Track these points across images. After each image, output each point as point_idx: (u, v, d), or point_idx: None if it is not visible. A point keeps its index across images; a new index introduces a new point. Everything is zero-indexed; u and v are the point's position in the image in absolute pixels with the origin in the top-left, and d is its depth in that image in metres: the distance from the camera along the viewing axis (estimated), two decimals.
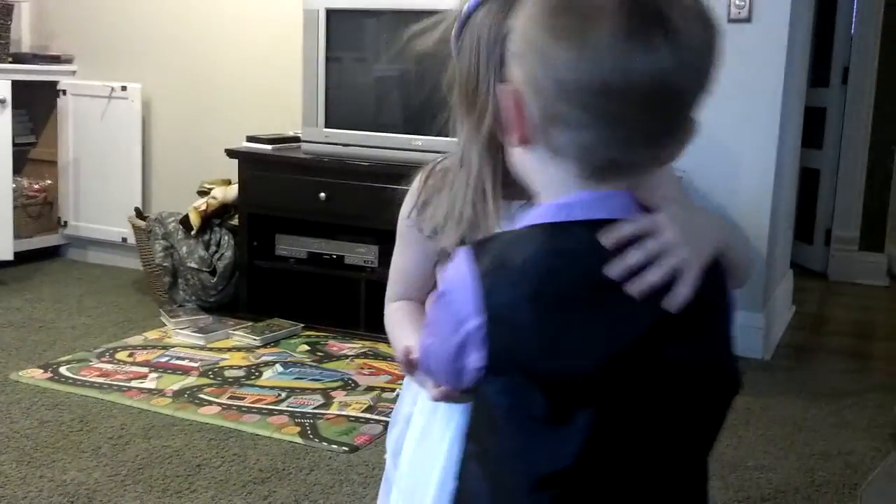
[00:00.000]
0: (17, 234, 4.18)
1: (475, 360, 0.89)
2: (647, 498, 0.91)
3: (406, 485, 1.30)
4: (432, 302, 1.05)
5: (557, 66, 0.84)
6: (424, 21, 1.25)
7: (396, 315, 1.31)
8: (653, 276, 0.86)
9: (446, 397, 1.09)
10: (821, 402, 3.04)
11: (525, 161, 0.93)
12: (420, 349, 1.02)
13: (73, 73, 4.56)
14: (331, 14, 3.49)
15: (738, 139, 3.35)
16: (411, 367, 1.13)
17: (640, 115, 0.84)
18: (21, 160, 4.49)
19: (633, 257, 0.85)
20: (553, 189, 0.91)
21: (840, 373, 3.44)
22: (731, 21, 3.32)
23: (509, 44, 0.93)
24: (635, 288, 0.85)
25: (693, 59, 0.84)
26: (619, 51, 0.82)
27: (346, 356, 3.34)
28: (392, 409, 2.80)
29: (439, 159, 1.26)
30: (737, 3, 3.31)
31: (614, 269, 0.85)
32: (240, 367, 3.19)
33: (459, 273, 0.90)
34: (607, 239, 0.86)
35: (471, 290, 0.88)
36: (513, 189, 1.14)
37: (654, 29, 0.82)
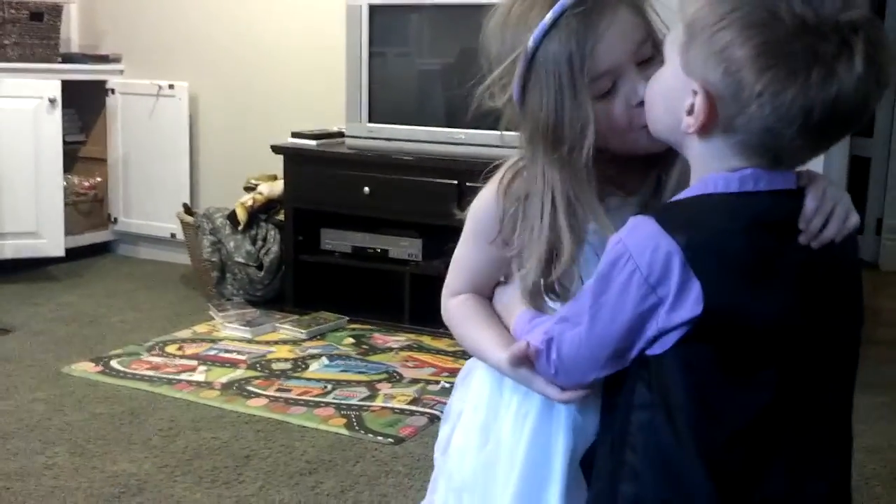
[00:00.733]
0: (69, 231, 4.25)
1: (666, 323, 0.98)
2: (819, 442, 1.04)
3: (461, 483, 1.29)
4: (589, 287, 1.05)
5: (771, 98, 0.94)
6: (488, 79, 1.21)
7: (463, 309, 1.29)
8: (830, 232, 1.02)
9: (575, 397, 1.12)
10: (871, 395, 3.00)
11: (697, 146, 1.02)
12: (558, 343, 1.07)
13: (121, 72, 4.63)
14: (373, 9, 3.50)
15: None
16: (521, 362, 1.13)
17: (841, 130, 1.01)
18: (71, 158, 4.56)
19: (817, 223, 1.01)
20: (725, 168, 1.01)
21: (892, 364, 3.39)
22: None
23: (679, 32, 1.00)
24: (819, 241, 1.01)
25: (878, 73, 0.95)
26: (832, 82, 0.93)
27: (391, 349, 3.36)
28: (435, 401, 2.83)
29: (515, 159, 1.23)
30: None
31: (805, 237, 1.00)
32: (286, 360, 3.23)
33: (651, 240, 0.98)
34: (805, 218, 1.01)
35: (674, 256, 0.96)
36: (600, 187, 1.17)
37: (853, 56, 0.93)
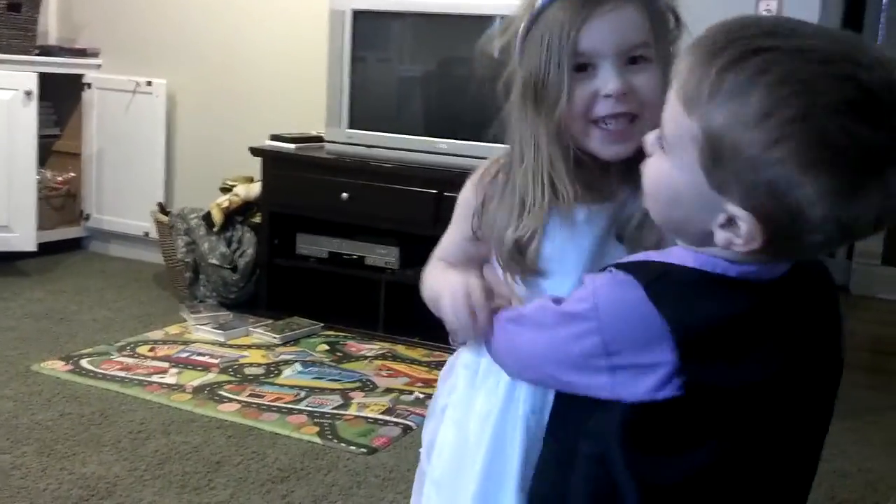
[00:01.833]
0: (40, 226, 4.20)
1: (623, 393, 0.93)
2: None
3: (439, 476, 1.32)
4: (551, 305, 1.03)
5: (838, 222, 0.87)
6: (491, 29, 1.27)
7: (435, 263, 1.33)
8: None
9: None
10: (840, 419, 3.02)
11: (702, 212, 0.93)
12: (527, 338, 1.05)
13: (99, 66, 4.59)
14: (357, 15, 3.50)
15: None
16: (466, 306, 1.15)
17: None
18: (45, 152, 4.51)
19: None
20: (732, 257, 0.94)
21: (861, 388, 3.42)
22: None
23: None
24: None
25: None
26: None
27: (365, 357, 3.35)
28: (409, 411, 2.82)
29: (503, 155, 1.28)
30: (764, 8, 3.31)
31: None
32: (259, 365, 3.21)
33: (633, 311, 0.92)
34: None
35: (662, 336, 0.90)
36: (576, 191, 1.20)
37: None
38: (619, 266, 0.96)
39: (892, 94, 0.83)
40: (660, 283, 0.93)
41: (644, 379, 0.92)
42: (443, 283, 1.22)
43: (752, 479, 0.97)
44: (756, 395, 0.94)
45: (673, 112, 0.92)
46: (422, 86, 3.65)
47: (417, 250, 3.59)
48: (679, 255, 0.97)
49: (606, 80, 1.15)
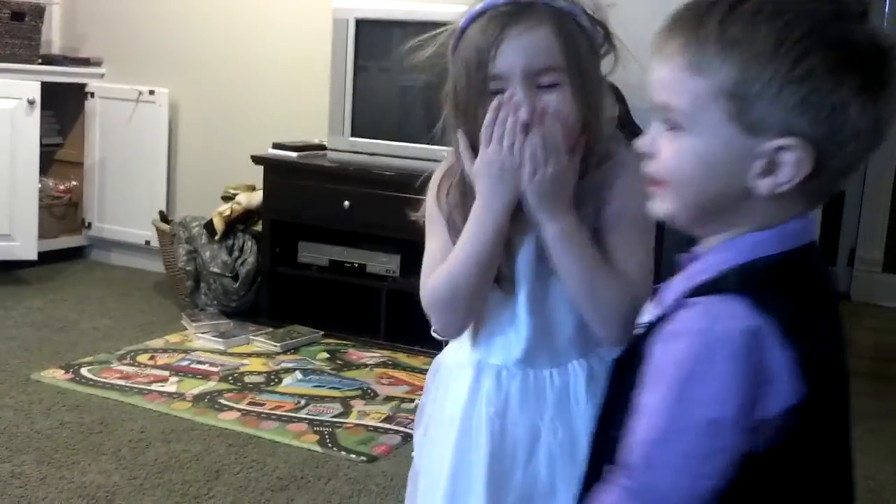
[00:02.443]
0: (42, 235, 4.20)
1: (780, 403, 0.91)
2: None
3: (421, 475, 1.38)
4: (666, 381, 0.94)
5: (873, 129, 0.93)
6: (424, 35, 1.30)
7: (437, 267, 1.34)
8: None
9: None
10: None
11: (760, 205, 0.95)
12: (651, 444, 0.93)
13: (102, 75, 4.59)
14: (360, 24, 3.50)
15: None
16: None
17: None
18: (47, 161, 4.51)
19: None
20: (765, 219, 0.96)
21: (861, 395, 3.40)
22: None
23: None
24: None
25: None
26: None
27: (366, 365, 3.34)
28: (410, 420, 2.82)
29: (447, 163, 1.35)
30: None
31: None
32: (260, 373, 3.20)
33: (744, 321, 0.90)
34: None
35: (782, 349, 0.90)
36: None
37: None
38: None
39: (862, 4, 0.92)
40: (766, 291, 0.93)
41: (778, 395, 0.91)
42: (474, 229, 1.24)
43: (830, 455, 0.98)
44: (835, 367, 0.98)
45: (681, 86, 0.94)
46: (424, 94, 3.65)
47: (419, 258, 3.58)
48: (739, 249, 0.96)
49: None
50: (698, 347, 0.90)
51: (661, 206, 1.00)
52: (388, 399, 3.02)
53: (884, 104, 0.91)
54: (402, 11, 3.49)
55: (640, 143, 1.00)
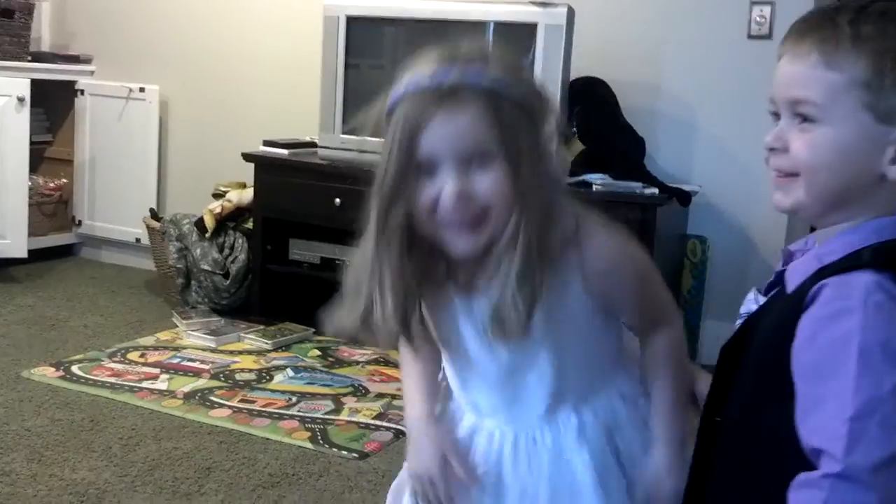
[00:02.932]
0: (32, 232, 4.19)
1: None
2: None
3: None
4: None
5: None
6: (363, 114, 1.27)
7: (402, 355, 1.45)
8: None
9: None
10: None
11: (886, 190, 1.01)
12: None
13: (92, 73, 4.58)
14: (351, 21, 3.49)
15: (755, 155, 3.33)
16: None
17: None
18: (37, 158, 4.50)
19: None
20: (889, 210, 1.02)
21: None
22: (751, 37, 3.31)
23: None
24: None
25: None
26: None
27: (357, 362, 3.34)
28: (401, 416, 2.81)
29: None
30: (757, 19, 3.31)
31: None
32: (251, 371, 3.19)
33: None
34: None
35: None
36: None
37: None
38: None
39: None
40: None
41: None
42: (413, 436, 1.35)
43: None
44: None
45: (817, 80, 1.01)
46: None
47: None
48: (865, 233, 1.01)
49: (444, 184, 1.15)
50: (864, 320, 0.93)
51: (790, 198, 1.05)
52: (380, 396, 3.01)
53: None
54: (393, 9, 3.48)
55: (768, 139, 1.06)
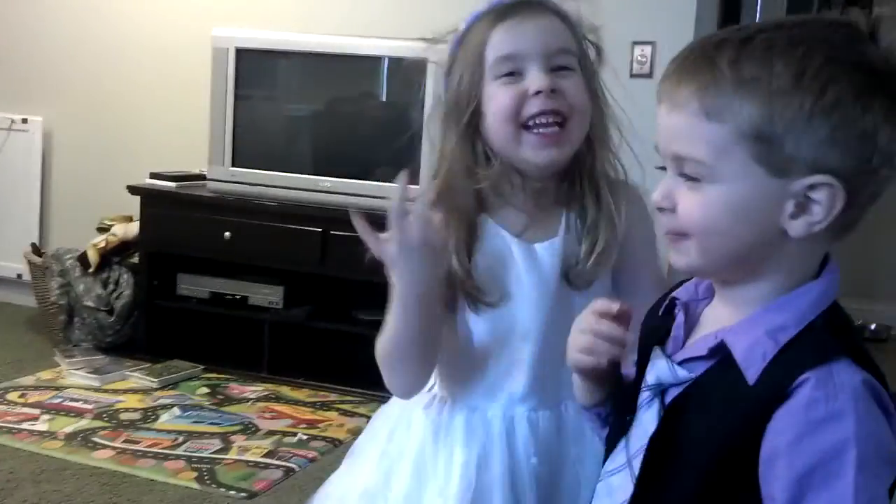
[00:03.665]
0: None
1: None
2: None
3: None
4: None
5: None
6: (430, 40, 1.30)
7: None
8: None
9: None
10: None
11: (795, 247, 0.90)
12: None
13: None
14: (241, 53, 3.46)
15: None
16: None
17: None
18: None
19: None
20: (799, 267, 0.92)
21: None
22: (633, 76, 3.40)
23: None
24: None
25: None
26: None
27: (248, 399, 3.28)
28: (292, 454, 2.77)
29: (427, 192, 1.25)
30: (638, 58, 3.40)
31: None
32: (136, 410, 3.11)
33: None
34: None
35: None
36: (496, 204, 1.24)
37: None
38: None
39: (872, 27, 0.89)
40: (849, 342, 0.90)
41: None
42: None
43: None
44: None
45: (699, 135, 0.88)
46: (306, 124, 3.64)
47: (303, 289, 3.58)
48: (792, 309, 0.91)
49: (534, 79, 1.18)
50: (857, 425, 0.84)
51: (684, 259, 0.94)
52: (270, 433, 2.96)
53: None
54: (284, 42, 3.47)
55: (655, 197, 0.94)
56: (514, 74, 1.19)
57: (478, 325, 1.24)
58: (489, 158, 1.23)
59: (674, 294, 1.04)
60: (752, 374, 0.89)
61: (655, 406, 0.98)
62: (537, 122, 1.18)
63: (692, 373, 0.95)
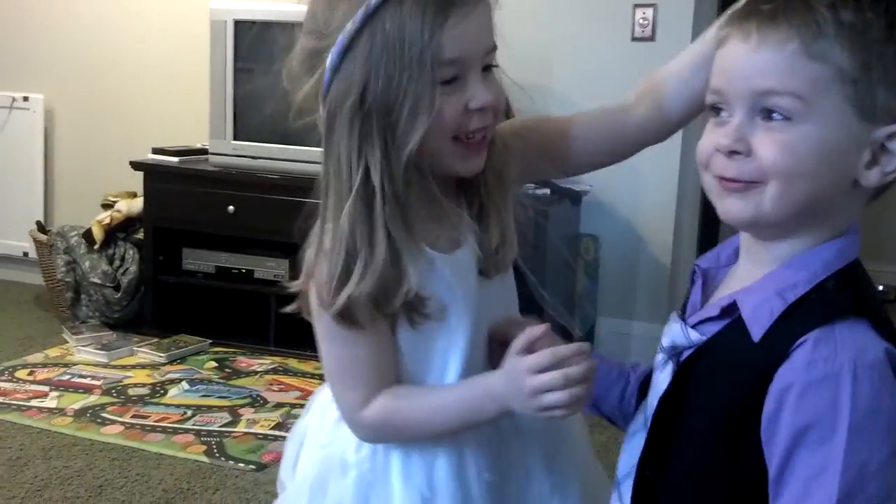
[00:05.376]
0: None
1: None
2: None
3: None
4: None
5: None
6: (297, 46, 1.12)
7: (393, 402, 1.09)
8: None
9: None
10: None
11: (852, 200, 0.92)
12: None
13: None
14: (239, 25, 3.44)
15: (640, 154, 3.40)
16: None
17: None
18: None
19: None
20: (839, 224, 0.93)
21: None
22: (634, 40, 3.37)
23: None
24: None
25: None
26: None
27: (256, 372, 3.29)
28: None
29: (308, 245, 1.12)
30: (640, 21, 3.37)
31: None
32: (144, 385, 3.12)
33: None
34: None
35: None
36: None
37: None
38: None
39: None
40: (875, 312, 0.89)
41: None
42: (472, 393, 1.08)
43: None
44: None
45: (802, 72, 0.87)
46: None
47: None
48: (823, 260, 0.91)
49: (478, 91, 1.03)
50: (854, 386, 0.84)
51: (750, 208, 0.91)
52: (279, 406, 2.97)
53: None
54: (282, 12, 3.44)
55: (724, 141, 0.91)
56: (456, 80, 1.02)
57: (411, 339, 1.10)
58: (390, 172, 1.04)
59: (696, 262, 1.04)
60: (756, 332, 0.89)
61: (669, 367, 0.99)
62: (472, 135, 1.05)
63: (705, 335, 0.95)
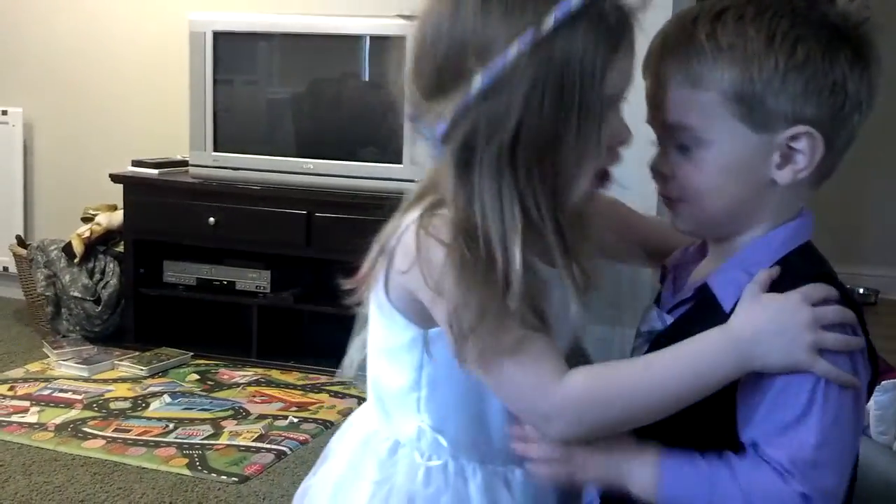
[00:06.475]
0: None
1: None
2: None
3: None
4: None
5: (869, 94, 0.99)
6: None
7: (606, 368, 0.96)
8: None
9: None
10: None
11: (778, 196, 1.00)
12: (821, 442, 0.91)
13: None
14: (218, 36, 3.43)
15: (621, 164, 3.40)
16: None
17: None
18: None
19: None
20: (784, 213, 1.01)
21: None
22: None
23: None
24: None
25: None
26: None
27: (238, 384, 3.27)
28: (283, 437, 2.76)
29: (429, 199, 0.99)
30: None
31: None
32: (125, 399, 3.09)
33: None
34: None
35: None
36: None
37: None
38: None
39: None
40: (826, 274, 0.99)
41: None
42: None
43: None
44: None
45: (688, 103, 0.97)
46: (288, 106, 3.61)
47: (289, 273, 3.57)
48: (778, 243, 1.00)
49: (623, 129, 0.97)
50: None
51: (685, 222, 1.04)
52: (261, 417, 2.96)
53: (874, 69, 0.98)
54: (262, 23, 3.44)
55: (656, 166, 1.03)
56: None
57: None
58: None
59: (665, 261, 1.14)
60: (727, 303, 0.97)
61: (645, 350, 1.06)
62: (608, 171, 1.00)
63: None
